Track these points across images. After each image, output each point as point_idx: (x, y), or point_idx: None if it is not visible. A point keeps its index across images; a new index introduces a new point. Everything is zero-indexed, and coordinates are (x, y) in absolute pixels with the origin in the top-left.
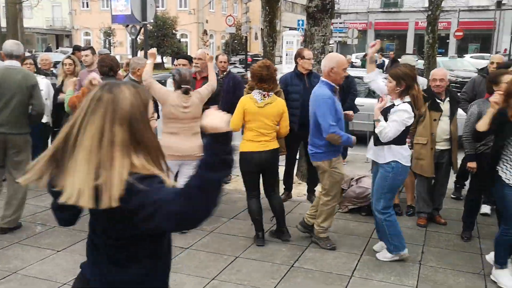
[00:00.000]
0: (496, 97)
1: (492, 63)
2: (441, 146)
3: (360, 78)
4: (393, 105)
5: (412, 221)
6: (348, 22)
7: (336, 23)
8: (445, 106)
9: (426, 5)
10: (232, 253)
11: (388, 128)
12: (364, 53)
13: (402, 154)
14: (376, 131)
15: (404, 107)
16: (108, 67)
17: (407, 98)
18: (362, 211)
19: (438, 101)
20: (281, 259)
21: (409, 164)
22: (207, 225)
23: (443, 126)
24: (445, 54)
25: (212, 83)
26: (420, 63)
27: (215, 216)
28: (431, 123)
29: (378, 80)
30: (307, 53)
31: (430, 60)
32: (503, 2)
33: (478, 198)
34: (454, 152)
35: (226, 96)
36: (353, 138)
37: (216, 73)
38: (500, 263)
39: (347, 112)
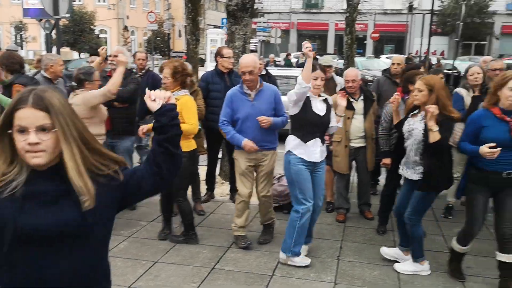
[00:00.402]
0: (432, 107)
1: (393, 64)
2: (356, 143)
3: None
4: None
5: (331, 217)
6: (271, 22)
7: (260, 22)
8: (359, 104)
9: (345, 7)
10: (151, 258)
11: None
12: (287, 53)
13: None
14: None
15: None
16: (19, 64)
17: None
18: (284, 209)
19: (352, 99)
20: (201, 262)
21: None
22: (124, 229)
23: (356, 124)
24: (363, 54)
25: (109, 87)
26: (340, 63)
27: (134, 220)
28: (345, 121)
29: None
30: (227, 51)
31: (349, 60)
32: (414, 6)
33: (393, 193)
34: (369, 149)
35: (145, 94)
36: (245, 141)
37: (134, 71)
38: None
39: (258, 118)
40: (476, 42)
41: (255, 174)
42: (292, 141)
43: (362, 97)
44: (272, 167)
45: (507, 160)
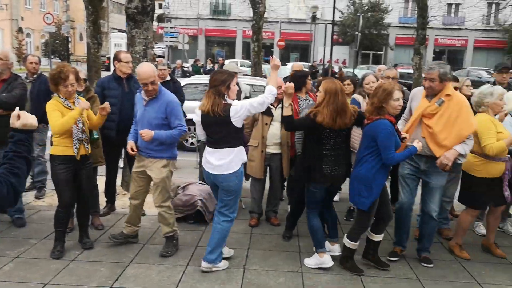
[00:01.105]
0: None
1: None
2: (271, 149)
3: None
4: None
5: (238, 226)
6: (178, 27)
7: (167, 27)
8: (277, 111)
9: (251, 15)
10: (41, 280)
11: None
12: (195, 59)
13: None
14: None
15: None
16: None
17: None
18: (189, 219)
19: (270, 106)
20: (98, 281)
21: None
22: (10, 249)
23: (273, 130)
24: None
25: None
26: (248, 70)
27: (22, 238)
28: (263, 127)
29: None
30: (124, 56)
31: (256, 67)
32: (317, 16)
33: (303, 199)
34: (284, 157)
35: (37, 100)
36: (128, 142)
37: (24, 76)
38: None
39: (141, 132)
40: (374, 52)
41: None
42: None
43: (280, 105)
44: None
45: None
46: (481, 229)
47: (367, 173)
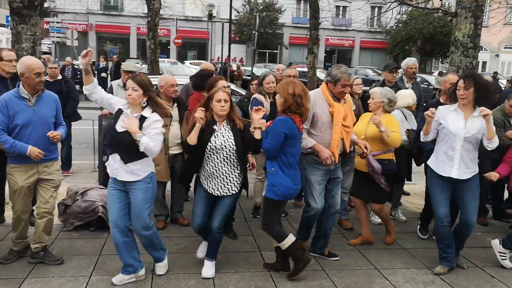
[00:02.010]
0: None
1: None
2: (173, 150)
3: None
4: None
5: None
6: (66, 22)
7: (53, 22)
8: (174, 111)
9: (146, 11)
10: None
11: None
12: None
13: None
14: None
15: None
16: None
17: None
18: (90, 226)
19: (168, 106)
20: None
21: None
22: None
23: (174, 131)
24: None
25: None
26: (144, 68)
27: None
28: (166, 130)
29: (99, 91)
30: (7, 53)
31: (153, 65)
32: (213, 15)
33: None
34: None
35: None
36: (30, 148)
37: None
38: None
39: (50, 134)
40: (270, 50)
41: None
42: None
43: (176, 104)
44: (61, 180)
45: None
46: (377, 218)
47: None
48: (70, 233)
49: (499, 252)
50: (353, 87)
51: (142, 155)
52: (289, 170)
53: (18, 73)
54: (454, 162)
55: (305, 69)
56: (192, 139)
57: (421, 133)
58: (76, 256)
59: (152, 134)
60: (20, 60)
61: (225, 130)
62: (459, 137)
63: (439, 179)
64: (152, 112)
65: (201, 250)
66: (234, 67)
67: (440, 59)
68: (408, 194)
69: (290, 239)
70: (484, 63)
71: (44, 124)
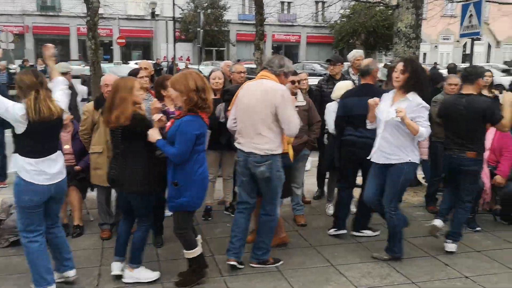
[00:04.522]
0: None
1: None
2: None
3: None
4: None
5: (91, 240)
6: (0, 25)
7: None
8: None
9: (85, 10)
10: None
11: None
12: (23, 59)
13: (25, 168)
14: None
15: None
16: None
17: None
18: None
19: None
20: None
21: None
22: None
23: None
24: (111, 60)
25: None
26: (86, 70)
27: None
28: (106, 131)
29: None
30: None
31: (95, 66)
32: (156, 13)
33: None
34: None
35: None
36: None
37: None
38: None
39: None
40: (216, 48)
41: None
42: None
43: None
44: None
45: None
46: (330, 210)
47: None
48: (6, 250)
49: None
50: (301, 82)
51: None
52: (196, 173)
53: None
54: (375, 145)
55: (253, 66)
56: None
57: (367, 121)
58: (12, 275)
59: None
60: None
61: None
62: (382, 120)
63: (375, 164)
64: None
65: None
66: (182, 66)
67: (383, 52)
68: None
69: (199, 250)
70: (424, 54)
71: None
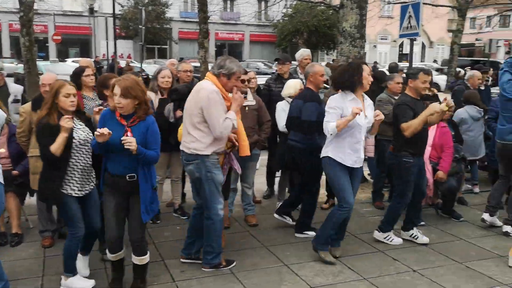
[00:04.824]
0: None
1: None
2: None
3: None
4: None
5: (32, 248)
6: None
7: None
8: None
9: (18, 5)
10: None
11: None
12: None
13: None
14: None
15: None
16: None
17: None
18: None
19: None
20: None
21: None
22: None
23: None
24: (46, 57)
25: None
26: (20, 68)
27: None
28: None
29: None
30: None
31: (30, 64)
32: (95, 9)
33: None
34: None
35: None
36: None
37: None
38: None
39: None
40: (159, 46)
41: None
42: None
43: None
44: None
45: (128, 164)
46: None
47: None
48: None
49: (384, 238)
50: (251, 81)
51: None
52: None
53: None
54: (360, 153)
55: (197, 64)
56: (60, 149)
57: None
58: None
59: None
60: None
61: (80, 124)
62: (363, 127)
63: (342, 167)
64: None
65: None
66: (123, 64)
67: (325, 51)
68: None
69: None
70: (364, 53)
71: None
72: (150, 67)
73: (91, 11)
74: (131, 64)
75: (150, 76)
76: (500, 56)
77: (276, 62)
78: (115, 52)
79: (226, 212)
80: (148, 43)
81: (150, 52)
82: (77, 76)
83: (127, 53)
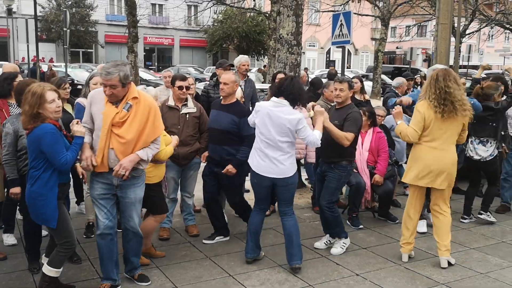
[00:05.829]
0: None
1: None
2: None
3: None
4: None
5: None
6: None
7: None
8: None
9: None
10: None
11: None
12: None
13: None
14: None
15: None
16: None
17: None
18: None
19: None
20: None
21: None
22: None
23: None
24: None
25: None
26: None
27: None
28: None
29: None
30: None
31: None
32: (14, 10)
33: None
34: None
35: None
36: None
37: None
38: None
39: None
40: (84, 49)
41: None
42: None
43: None
44: None
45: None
46: None
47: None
48: None
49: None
50: (191, 87)
51: None
52: None
53: None
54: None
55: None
56: None
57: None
58: None
59: None
60: None
61: None
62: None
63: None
64: None
65: None
66: (45, 68)
67: (256, 57)
68: (247, 191)
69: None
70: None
71: None
72: (77, 72)
73: (10, 12)
74: (54, 69)
75: (75, 81)
76: (419, 64)
77: (217, 67)
78: (37, 56)
79: (157, 224)
80: (73, 46)
81: (74, 56)
82: (8, 82)
83: (49, 57)
